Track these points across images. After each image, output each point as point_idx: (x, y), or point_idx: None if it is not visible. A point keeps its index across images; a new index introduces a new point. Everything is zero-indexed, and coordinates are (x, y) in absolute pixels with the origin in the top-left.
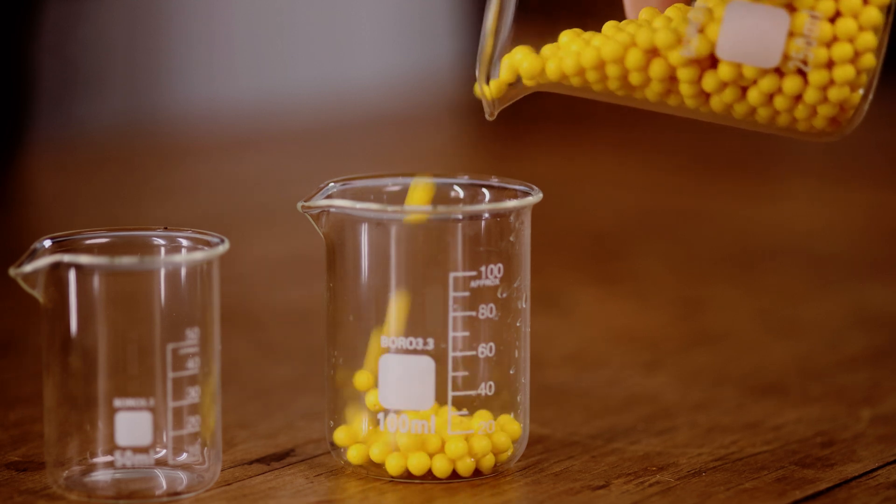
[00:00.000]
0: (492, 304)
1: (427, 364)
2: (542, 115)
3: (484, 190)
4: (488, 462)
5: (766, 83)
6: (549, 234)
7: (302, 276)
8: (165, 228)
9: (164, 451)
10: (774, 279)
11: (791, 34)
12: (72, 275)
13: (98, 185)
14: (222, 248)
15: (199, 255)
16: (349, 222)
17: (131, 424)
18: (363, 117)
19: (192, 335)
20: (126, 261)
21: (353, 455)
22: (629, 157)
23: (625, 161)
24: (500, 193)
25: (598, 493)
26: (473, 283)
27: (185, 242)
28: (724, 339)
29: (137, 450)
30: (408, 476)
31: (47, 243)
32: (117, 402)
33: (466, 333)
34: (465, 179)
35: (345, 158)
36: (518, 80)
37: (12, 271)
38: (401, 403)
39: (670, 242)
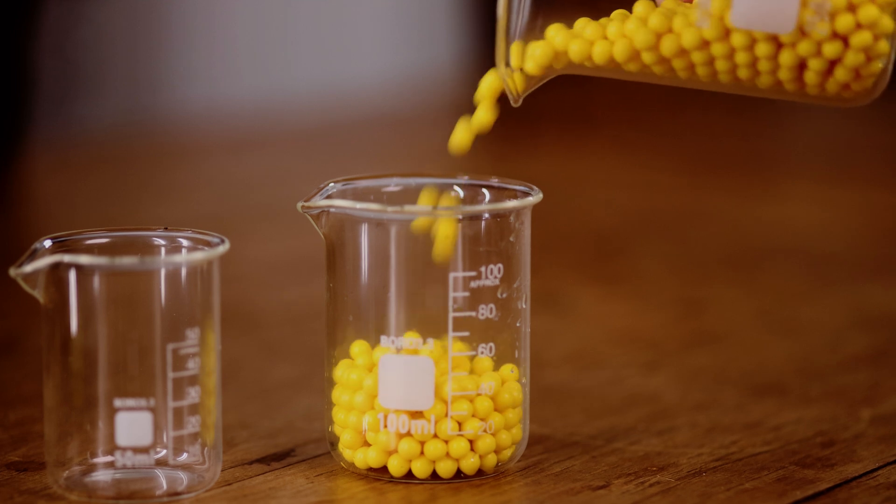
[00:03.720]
0: (492, 304)
1: (427, 364)
2: (543, 115)
3: (484, 190)
4: (490, 462)
5: (772, 49)
6: (549, 234)
7: (302, 276)
8: (165, 228)
9: (165, 452)
10: (774, 279)
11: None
12: (72, 275)
13: (98, 185)
14: (222, 248)
15: (199, 255)
16: (349, 222)
17: (132, 424)
18: (363, 117)
19: (193, 335)
20: (126, 261)
21: (353, 455)
22: (629, 157)
23: (625, 161)
24: (500, 193)
25: (598, 493)
26: (473, 283)
27: (185, 242)
28: (724, 339)
29: (138, 450)
30: (408, 476)
31: (47, 243)
32: (118, 403)
33: (466, 333)
34: (465, 179)
35: (345, 158)
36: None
37: (12, 271)
38: (401, 403)
39: (670, 242)
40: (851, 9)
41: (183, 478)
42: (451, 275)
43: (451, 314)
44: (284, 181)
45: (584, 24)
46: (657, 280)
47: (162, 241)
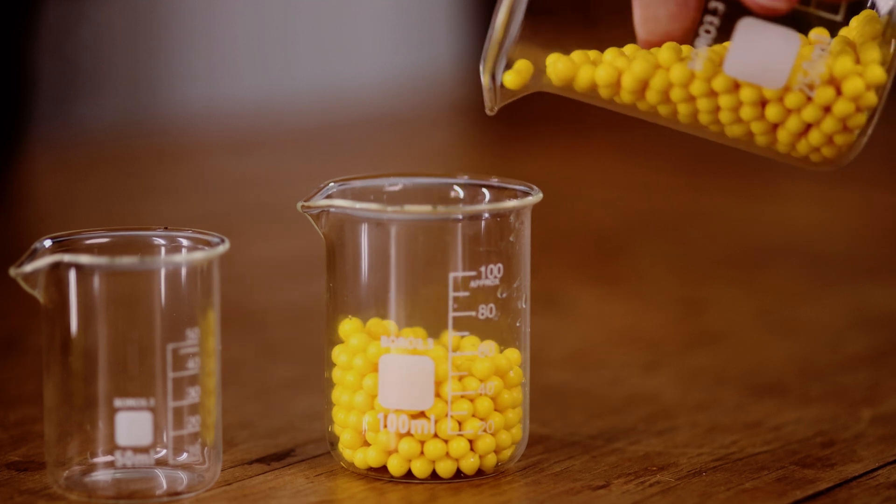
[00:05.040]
0: (492, 304)
1: (427, 364)
2: (543, 115)
3: (484, 190)
4: (490, 462)
5: (765, 106)
6: (549, 234)
7: (302, 276)
8: (165, 228)
9: (165, 451)
10: (774, 279)
11: (800, 58)
12: (72, 275)
13: (98, 185)
14: (222, 248)
15: (199, 255)
16: (349, 222)
17: (132, 424)
18: (363, 117)
19: (192, 335)
20: (126, 261)
21: (353, 455)
22: (629, 157)
23: (625, 161)
24: (500, 193)
25: (598, 493)
26: (473, 283)
27: (185, 242)
28: (724, 339)
29: (138, 450)
30: (408, 476)
31: (47, 243)
32: (118, 402)
33: (466, 333)
34: (465, 179)
35: (345, 158)
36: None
37: (12, 271)
38: (401, 403)
39: (670, 242)
40: (837, 80)
41: (183, 478)
42: (451, 275)
43: (451, 314)
44: (284, 181)
45: (584, 54)
46: (657, 280)
47: (162, 241)
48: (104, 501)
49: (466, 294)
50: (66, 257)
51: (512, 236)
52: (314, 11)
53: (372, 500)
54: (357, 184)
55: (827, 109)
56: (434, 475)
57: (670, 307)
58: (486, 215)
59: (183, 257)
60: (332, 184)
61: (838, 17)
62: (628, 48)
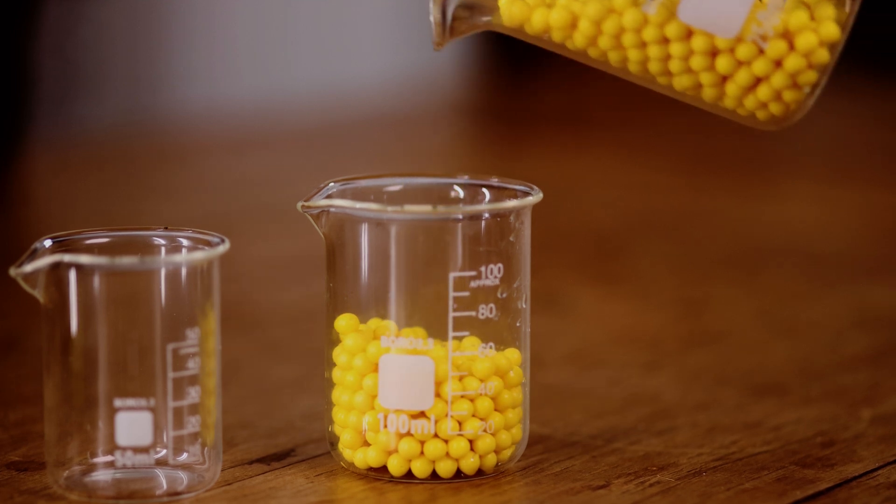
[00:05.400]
0: (492, 304)
1: (427, 364)
2: (543, 115)
3: (484, 190)
4: (490, 461)
5: (719, 57)
6: (549, 234)
7: (302, 276)
8: (165, 228)
9: (165, 451)
10: (774, 279)
11: (755, 9)
12: (72, 275)
13: (98, 185)
14: (222, 248)
15: (199, 255)
16: (349, 222)
17: (132, 424)
18: (363, 117)
19: (192, 335)
20: (126, 261)
21: (353, 455)
22: (629, 157)
23: (625, 161)
24: (500, 193)
25: (598, 493)
26: (473, 283)
27: (185, 242)
28: (724, 339)
29: (138, 450)
30: (408, 476)
31: (47, 243)
32: (118, 402)
33: (466, 333)
34: (465, 179)
35: (345, 158)
36: (472, 14)
37: (13, 271)
38: (401, 403)
39: (670, 242)
40: (791, 34)
41: (183, 478)
42: (451, 275)
43: (451, 314)
44: (284, 181)
45: None
46: (657, 280)
47: (162, 241)
48: (104, 501)
49: (466, 294)
50: (66, 257)
51: (512, 236)
52: (314, 11)
53: (372, 500)
54: (357, 184)
55: (778, 64)
56: (434, 475)
57: (670, 307)
58: (486, 215)
59: (183, 257)
60: (332, 184)
61: None
62: None
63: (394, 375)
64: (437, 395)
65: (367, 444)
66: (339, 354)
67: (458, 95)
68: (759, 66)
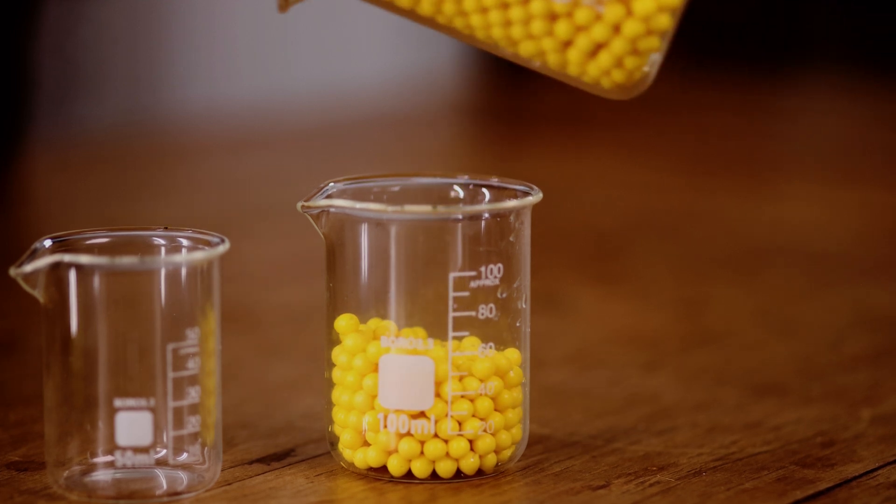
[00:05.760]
0: (492, 304)
1: (427, 364)
2: (543, 115)
3: (484, 190)
4: (490, 462)
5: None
6: (549, 234)
7: (302, 276)
8: (165, 228)
9: (165, 451)
10: (774, 279)
11: None
12: (72, 275)
13: (98, 185)
14: (222, 248)
15: (199, 255)
16: (349, 222)
17: (132, 424)
18: (363, 117)
19: (192, 335)
20: (126, 261)
21: (353, 455)
22: (629, 157)
23: (625, 161)
24: (500, 193)
25: (598, 493)
26: (473, 283)
27: (185, 242)
28: (724, 339)
29: (138, 450)
30: (408, 476)
31: (47, 243)
32: (118, 402)
33: (466, 333)
34: (465, 179)
35: (345, 158)
36: None
37: (12, 271)
38: (401, 403)
39: (670, 242)
40: None
41: (183, 478)
42: (451, 275)
43: (451, 314)
44: (284, 181)
45: None
46: (657, 280)
47: (162, 241)
48: (104, 501)
49: (466, 294)
50: (66, 257)
51: (512, 236)
52: (314, 12)
53: (372, 500)
54: (357, 184)
55: (617, 29)
56: (434, 475)
57: (670, 307)
58: (486, 215)
59: (183, 257)
60: (332, 184)
61: None
62: None
63: (394, 375)
64: (437, 395)
65: (367, 444)
66: (339, 354)
67: (458, 95)
68: (598, 32)
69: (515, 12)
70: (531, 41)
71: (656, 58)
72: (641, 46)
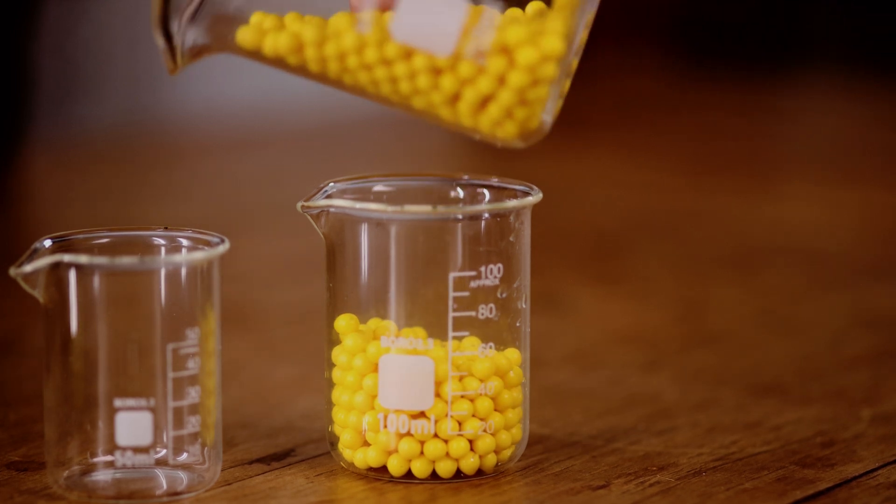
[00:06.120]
0: (492, 304)
1: (427, 364)
2: None
3: (484, 190)
4: (490, 462)
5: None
6: (549, 234)
7: (302, 276)
8: (165, 228)
9: (165, 451)
10: (774, 279)
11: (470, 24)
12: (72, 275)
13: (98, 185)
14: (222, 248)
15: (199, 255)
16: (349, 222)
17: (132, 424)
18: (363, 117)
19: (192, 335)
20: (126, 261)
21: (353, 455)
22: (629, 157)
23: (625, 161)
24: (500, 193)
25: (598, 493)
26: (473, 283)
27: (185, 242)
28: (724, 339)
29: (138, 450)
30: (408, 476)
31: (47, 243)
32: (118, 402)
33: (466, 333)
34: (465, 179)
35: (345, 158)
36: (209, 37)
37: (12, 271)
38: (401, 403)
39: (670, 242)
40: (510, 50)
41: (183, 478)
42: (451, 275)
43: (451, 314)
44: (284, 181)
45: (262, 17)
46: (657, 280)
47: (162, 241)
48: (104, 501)
49: (466, 294)
50: (66, 257)
51: (512, 236)
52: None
53: (372, 500)
54: (357, 184)
55: (502, 81)
56: (434, 475)
57: (670, 307)
58: (486, 215)
59: (183, 257)
60: (332, 184)
61: None
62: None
63: (394, 375)
64: (437, 395)
65: (367, 444)
66: (338, 354)
67: None
68: (484, 84)
69: (399, 68)
70: (420, 96)
71: (552, 104)
72: (530, 97)
